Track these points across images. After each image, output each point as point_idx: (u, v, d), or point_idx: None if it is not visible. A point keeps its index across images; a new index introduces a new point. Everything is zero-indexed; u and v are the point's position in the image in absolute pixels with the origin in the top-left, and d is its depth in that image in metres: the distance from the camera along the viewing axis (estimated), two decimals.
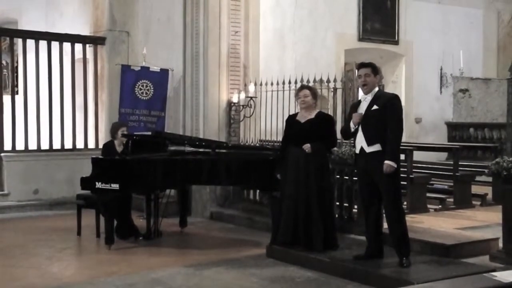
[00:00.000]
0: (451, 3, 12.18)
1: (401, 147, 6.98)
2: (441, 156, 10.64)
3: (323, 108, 6.55)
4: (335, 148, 6.27)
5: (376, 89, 5.23)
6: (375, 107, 5.11)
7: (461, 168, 7.95)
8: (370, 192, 5.20)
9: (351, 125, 5.25)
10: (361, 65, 5.31)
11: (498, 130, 11.32)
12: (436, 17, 12.01)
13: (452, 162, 8.10)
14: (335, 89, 6.89)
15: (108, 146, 6.95)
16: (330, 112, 6.81)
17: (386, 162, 4.96)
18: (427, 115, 12.04)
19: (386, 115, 5.04)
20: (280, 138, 6.27)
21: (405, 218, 5.20)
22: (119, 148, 6.84)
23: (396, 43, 11.57)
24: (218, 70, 8.28)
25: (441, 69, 12.16)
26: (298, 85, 6.70)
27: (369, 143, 5.12)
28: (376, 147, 5.08)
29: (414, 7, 11.68)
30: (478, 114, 12.46)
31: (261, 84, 8.03)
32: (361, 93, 5.38)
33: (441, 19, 12.09)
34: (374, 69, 5.24)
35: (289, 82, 7.39)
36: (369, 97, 5.19)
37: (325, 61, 10.17)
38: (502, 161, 5.22)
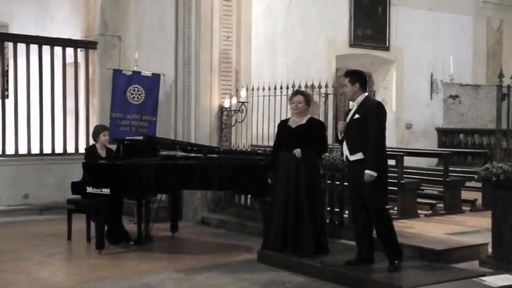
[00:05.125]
0: (442, 10, 12.26)
1: (391, 153, 7.06)
2: (432, 162, 10.70)
3: (314, 113, 6.57)
4: (326, 154, 6.30)
5: (363, 96, 5.22)
6: (356, 115, 5.16)
7: (451, 174, 8.00)
8: (358, 198, 5.24)
9: (338, 133, 5.32)
10: (344, 75, 5.36)
11: (487, 136, 11.40)
12: (426, 24, 12.08)
13: (442, 168, 8.15)
14: (326, 95, 6.92)
15: (91, 150, 6.98)
16: (322, 118, 6.84)
17: (366, 171, 5.01)
18: (417, 121, 12.10)
19: (367, 123, 5.06)
20: (271, 143, 6.29)
21: (392, 223, 5.21)
22: (101, 152, 6.88)
23: (387, 49, 11.63)
24: (210, 75, 8.29)
25: (431, 75, 12.23)
26: (290, 90, 6.73)
27: (351, 152, 5.19)
28: (358, 156, 5.13)
29: (405, 13, 11.75)
30: (468, 120, 12.54)
31: (252, 89, 8.06)
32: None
33: (431, 26, 12.16)
34: (352, 78, 5.24)
35: (281, 88, 7.42)
36: (355, 105, 5.23)
37: (316, 67, 10.20)
38: (492, 167, 5.27)
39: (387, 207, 5.46)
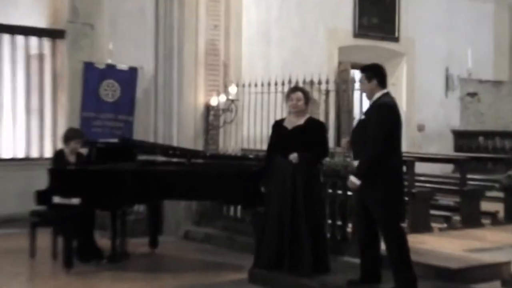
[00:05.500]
0: None
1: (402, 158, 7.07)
2: (447, 168, 10.76)
3: (313, 113, 6.60)
4: (327, 159, 6.32)
5: (379, 94, 5.16)
6: (362, 117, 5.17)
7: (469, 182, 8.03)
8: (364, 209, 5.23)
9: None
10: (360, 70, 5.36)
11: (510, 139, 11.47)
12: (441, 12, 12.15)
13: (458, 175, 8.19)
14: (327, 92, 6.96)
15: (58, 154, 6.99)
16: (322, 117, 6.86)
17: (350, 177, 5.04)
18: (431, 122, 12.15)
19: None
20: (264, 147, 6.30)
21: (406, 241, 5.09)
22: (70, 157, 6.87)
23: (396, 40, 11.69)
24: (195, 69, 8.31)
25: (446, 70, 12.30)
26: (286, 86, 6.75)
27: (355, 158, 5.23)
28: None
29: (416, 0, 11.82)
30: (488, 120, 12.60)
31: (243, 86, 8.09)
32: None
33: (447, 14, 12.24)
34: (368, 74, 5.21)
35: (275, 84, 7.45)
36: (369, 106, 5.24)
37: (316, 60, 10.24)
38: None
39: (398, 222, 5.37)
